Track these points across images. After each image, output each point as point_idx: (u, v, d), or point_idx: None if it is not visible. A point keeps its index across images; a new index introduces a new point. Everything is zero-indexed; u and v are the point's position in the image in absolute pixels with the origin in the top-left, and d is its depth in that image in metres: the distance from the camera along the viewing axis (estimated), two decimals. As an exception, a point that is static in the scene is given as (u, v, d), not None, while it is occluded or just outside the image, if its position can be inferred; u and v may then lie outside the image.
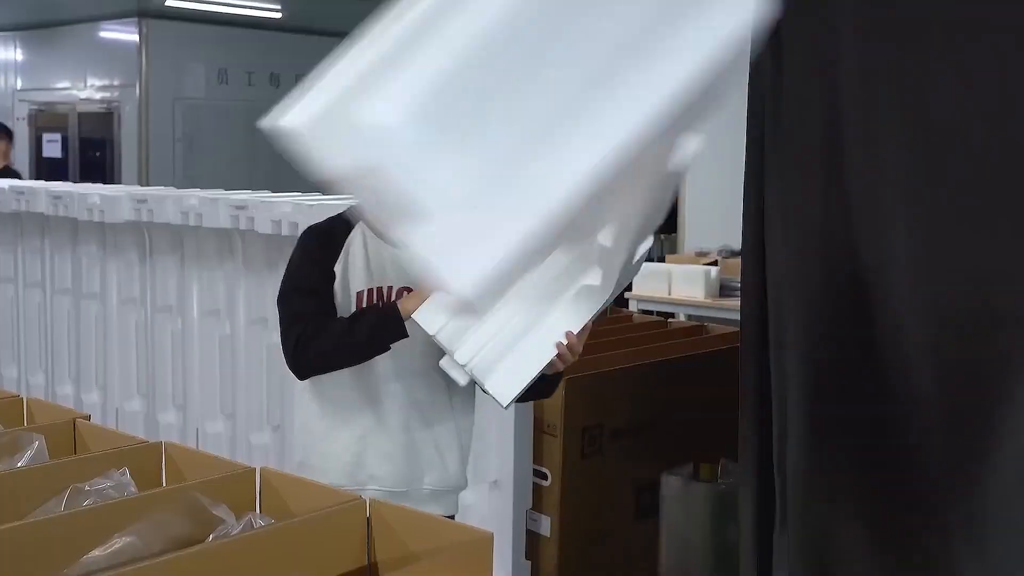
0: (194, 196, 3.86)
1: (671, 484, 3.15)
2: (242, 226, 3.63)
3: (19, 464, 1.74)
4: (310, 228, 2.30)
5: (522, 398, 2.10)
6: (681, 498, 3.13)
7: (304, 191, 3.78)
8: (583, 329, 2.06)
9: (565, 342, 2.04)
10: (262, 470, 1.67)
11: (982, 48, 2.00)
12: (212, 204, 3.74)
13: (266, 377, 3.81)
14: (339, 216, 2.29)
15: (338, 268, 2.20)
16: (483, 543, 1.43)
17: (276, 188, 4.25)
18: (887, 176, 2.09)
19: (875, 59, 2.12)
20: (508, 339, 2.02)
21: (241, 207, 3.62)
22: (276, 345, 3.79)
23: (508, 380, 2.03)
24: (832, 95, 2.18)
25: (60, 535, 1.44)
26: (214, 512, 1.50)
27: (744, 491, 2.48)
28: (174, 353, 4.14)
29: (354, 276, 2.21)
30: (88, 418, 1.97)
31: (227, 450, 3.83)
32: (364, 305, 2.19)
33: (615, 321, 3.96)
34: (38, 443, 1.77)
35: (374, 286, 2.20)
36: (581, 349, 2.08)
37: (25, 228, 4.79)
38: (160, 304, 4.19)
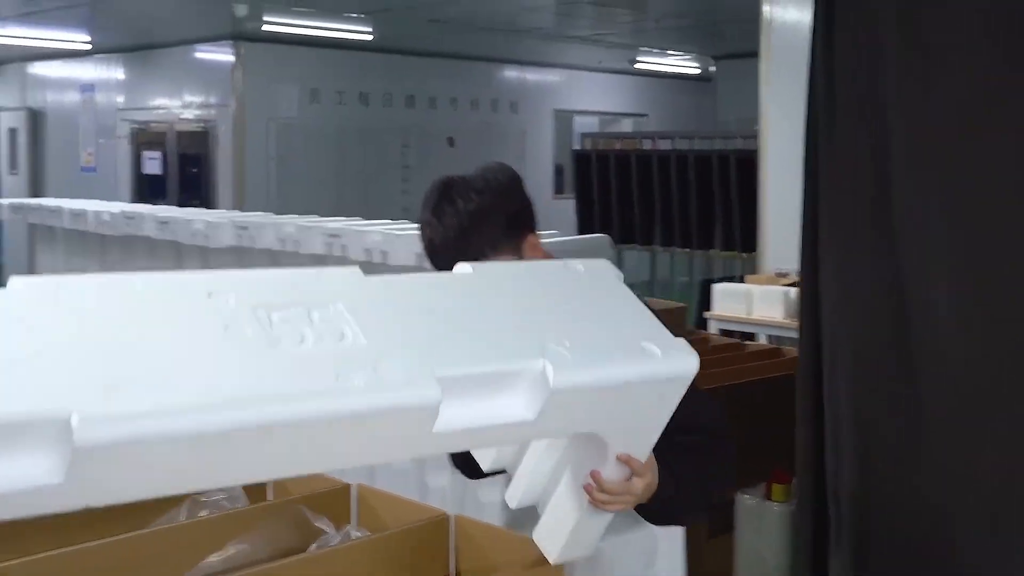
0: (291, 224, 4.08)
1: (745, 504, 3.25)
2: (335, 252, 3.84)
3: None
4: None
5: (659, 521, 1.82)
6: (755, 517, 3.22)
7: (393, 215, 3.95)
8: (628, 461, 1.57)
9: (593, 483, 1.55)
10: (358, 487, 1.83)
11: (1013, 87, 2.08)
12: (307, 231, 3.95)
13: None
14: None
15: None
16: (557, 558, 1.57)
17: (364, 201, 4.41)
18: (930, 221, 2.15)
19: (915, 97, 2.18)
20: (545, 480, 1.61)
21: (335, 235, 3.83)
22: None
23: (550, 530, 1.61)
24: (879, 137, 2.23)
25: (182, 542, 1.63)
26: (317, 524, 1.67)
27: (801, 511, 2.56)
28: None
29: None
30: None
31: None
32: None
33: (692, 344, 4.03)
34: (158, 458, 1.96)
35: None
36: (628, 488, 1.59)
37: (135, 250, 5.08)
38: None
